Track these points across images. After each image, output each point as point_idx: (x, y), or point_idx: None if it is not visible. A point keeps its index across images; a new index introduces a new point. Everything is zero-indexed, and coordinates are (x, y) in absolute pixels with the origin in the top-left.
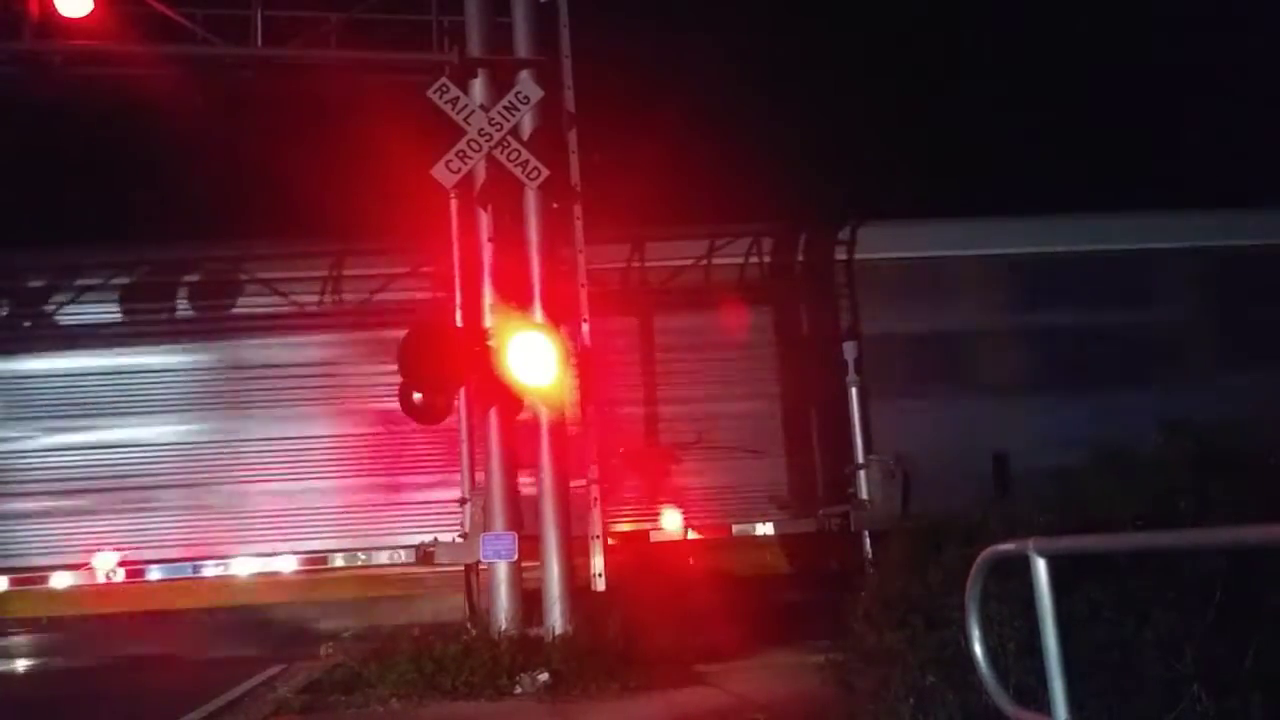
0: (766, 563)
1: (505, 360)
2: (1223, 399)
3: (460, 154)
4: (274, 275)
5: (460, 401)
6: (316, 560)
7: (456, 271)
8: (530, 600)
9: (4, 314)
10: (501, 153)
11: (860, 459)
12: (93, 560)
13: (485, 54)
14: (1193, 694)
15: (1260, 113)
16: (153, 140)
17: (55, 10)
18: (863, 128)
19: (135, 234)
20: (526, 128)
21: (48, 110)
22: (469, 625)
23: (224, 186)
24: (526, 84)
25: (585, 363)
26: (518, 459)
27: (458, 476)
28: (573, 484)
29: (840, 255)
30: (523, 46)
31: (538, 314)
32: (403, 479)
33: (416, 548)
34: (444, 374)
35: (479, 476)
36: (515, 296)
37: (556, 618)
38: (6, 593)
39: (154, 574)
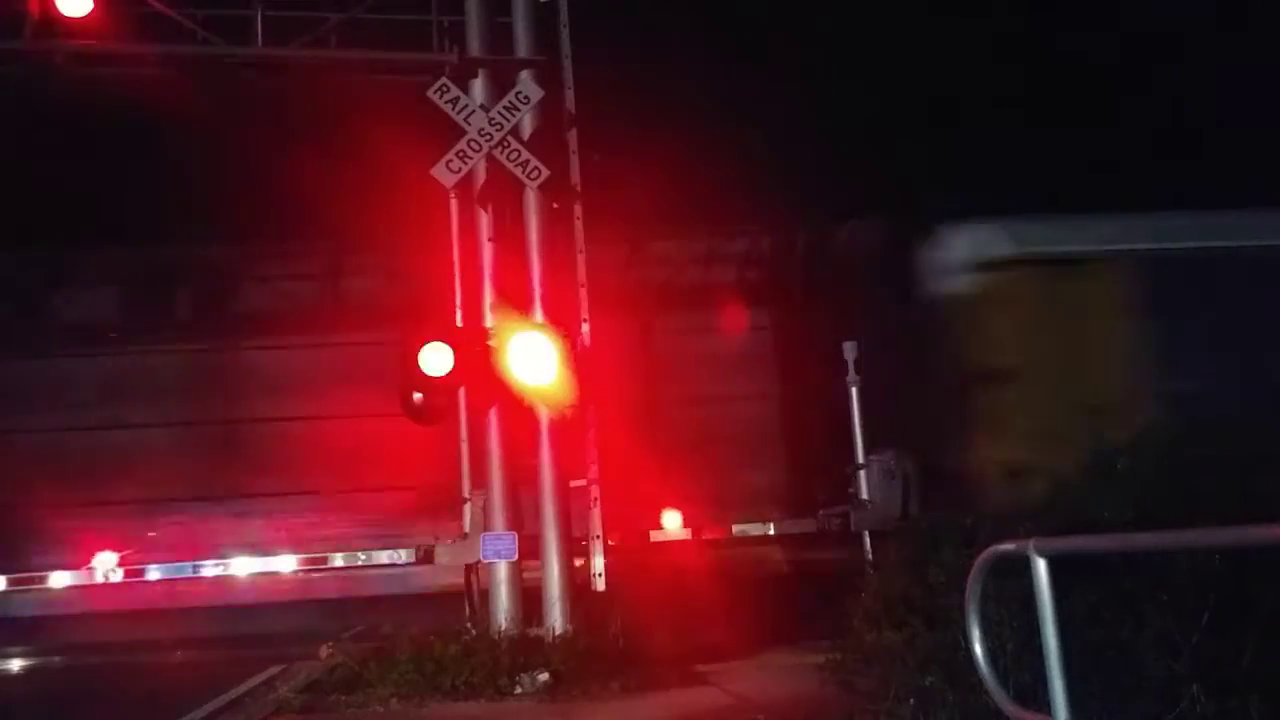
0: (766, 563)
1: (505, 360)
2: None
3: (460, 154)
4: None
5: (460, 401)
6: (316, 560)
7: (457, 271)
8: (530, 600)
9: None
10: (501, 153)
11: (860, 459)
12: (93, 560)
13: (485, 54)
14: (1192, 694)
15: None
16: (152, 140)
17: (55, 10)
18: (862, 128)
19: (134, 233)
20: (526, 128)
21: (47, 110)
22: (469, 625)
23: (224, 186)
24: (527, 84)
25: (585, 363)
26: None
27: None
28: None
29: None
30: (523, 46)
31: (538, 314)
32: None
33: (416, 548)
34: (444, 374)
35: (479, 476)
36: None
37: (556, 618)
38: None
39: (154, 574)
